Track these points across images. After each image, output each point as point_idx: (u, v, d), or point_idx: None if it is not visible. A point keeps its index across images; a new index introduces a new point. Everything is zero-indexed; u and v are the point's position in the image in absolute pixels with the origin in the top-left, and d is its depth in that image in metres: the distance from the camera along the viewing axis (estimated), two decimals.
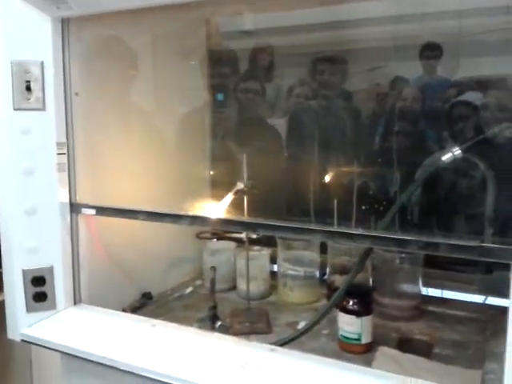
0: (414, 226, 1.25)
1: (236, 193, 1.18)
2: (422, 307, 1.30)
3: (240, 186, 1.18)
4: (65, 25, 1.08)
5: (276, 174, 1.54)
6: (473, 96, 1.38)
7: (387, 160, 1.39)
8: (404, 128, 1.44)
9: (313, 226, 0.92)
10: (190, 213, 1.06)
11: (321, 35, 1.55)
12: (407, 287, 1.28)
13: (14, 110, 1.06)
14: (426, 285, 1.32)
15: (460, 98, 1.38)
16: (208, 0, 1.07)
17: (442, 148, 1.24)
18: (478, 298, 1.31)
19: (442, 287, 1.35)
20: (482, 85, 1.35)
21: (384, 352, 1.11)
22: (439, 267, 1.34)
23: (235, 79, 1.68)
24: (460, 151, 0.98)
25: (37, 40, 1.05)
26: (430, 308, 1.31)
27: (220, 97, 1.63)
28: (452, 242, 0.78)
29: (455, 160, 0.98)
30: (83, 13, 1.03)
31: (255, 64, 1.71)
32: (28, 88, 1.05)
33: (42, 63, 1.06)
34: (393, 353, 1.10)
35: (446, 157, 0.99)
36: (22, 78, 1.05)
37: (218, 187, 1.52)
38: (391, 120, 1.46)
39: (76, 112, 1.15)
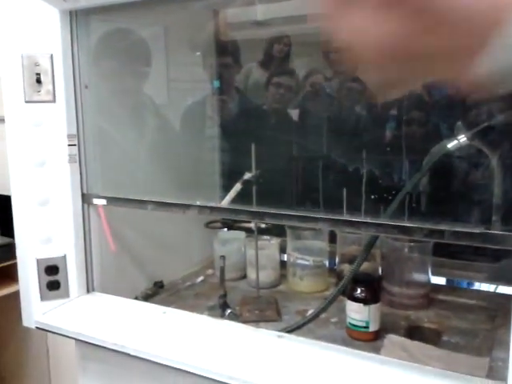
0: (421, 214, 1.24)
1: (244, 183, 1.19)
2: (432, 296, 1.30)
3: (248, 175, 1.19)
4: (73, 17, 1.09)
5: (286, 163, 1.54)
6: None
7: (397, 148, 1.38)
8: (415, 116, 1.43)
9: (317, 215, 0.93)
10: (198, 202, 1.07)
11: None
12: (416, 276, 1.28)
13: (25, 102, 1.08)
14: (435, 273, 1.32)
15: None
16: None
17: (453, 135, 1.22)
18: (487, 287, 1.31)
19: (452, 276, 1.34)
20: None
21: (392, 340, 1.11)
22: (449, 256, 1.34)
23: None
24: (466, 138, 0.97)
25: (46, 33, 1.06)
26: (440, 296, 1.31)
27: (218, 85, 1.61)
28: (456, 228, 0.78)
29: (462, 147, 0.98)
30: (90, 5, 1.04)
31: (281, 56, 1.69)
32: (38, 81, 1.07)
33: (52, 56, 1.07)
34: (401, 340, 1.10)
35: (452, 144, 0.98)
36: (32, 70, 1.06)
37: (227, 178, 1.53)
38: (401, 108, 1.45)
39: (86, 104, 1.16)
